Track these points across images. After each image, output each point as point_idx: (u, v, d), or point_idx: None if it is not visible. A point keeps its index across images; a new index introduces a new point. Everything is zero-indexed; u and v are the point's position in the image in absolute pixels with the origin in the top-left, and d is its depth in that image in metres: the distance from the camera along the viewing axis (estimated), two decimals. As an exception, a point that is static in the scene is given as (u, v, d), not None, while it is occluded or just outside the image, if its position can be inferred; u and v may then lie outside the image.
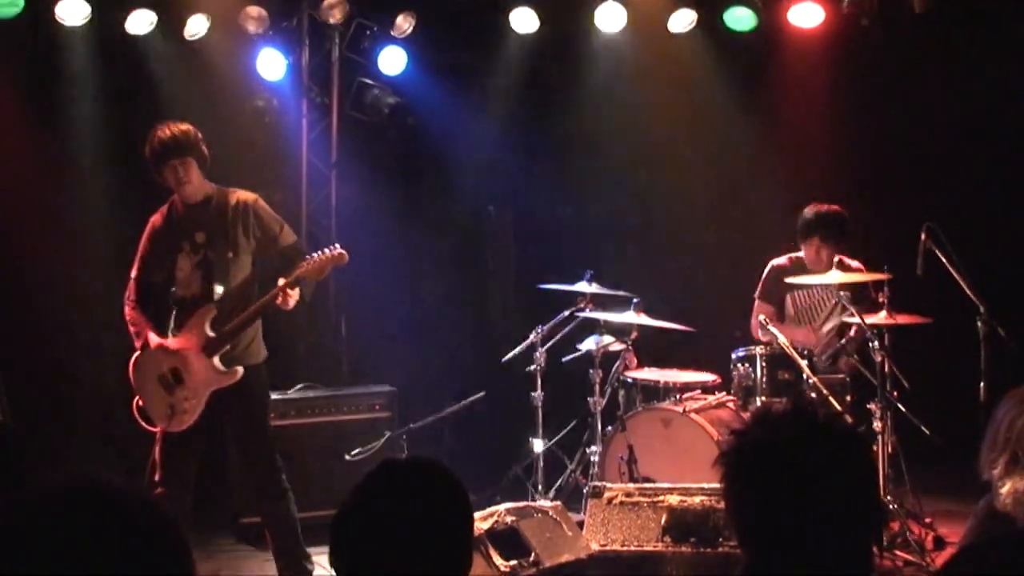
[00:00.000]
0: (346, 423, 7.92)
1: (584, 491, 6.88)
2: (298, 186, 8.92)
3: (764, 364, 7.34)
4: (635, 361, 7.79)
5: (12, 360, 7.56)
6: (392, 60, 8.88)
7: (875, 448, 6.85)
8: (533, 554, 5.96)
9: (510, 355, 7.80)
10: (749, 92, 9.46)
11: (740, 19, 8.99)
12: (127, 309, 6.47)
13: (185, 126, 6.31)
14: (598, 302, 7.71)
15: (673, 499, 6.37)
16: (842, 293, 7.26)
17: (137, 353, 6.40)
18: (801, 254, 7.76)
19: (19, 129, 8.39)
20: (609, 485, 6.66)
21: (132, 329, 6.44)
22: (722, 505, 6.08)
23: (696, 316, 7.83)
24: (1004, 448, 4.14)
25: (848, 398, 7.25)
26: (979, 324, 7.08)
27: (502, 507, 6.18)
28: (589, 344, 7.63)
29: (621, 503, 6.44)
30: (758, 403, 7.31)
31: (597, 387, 7.52)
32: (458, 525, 2.48)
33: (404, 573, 2.37)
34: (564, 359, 7.84)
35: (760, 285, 7.87)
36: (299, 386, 8.14)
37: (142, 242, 6.50)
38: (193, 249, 6.35)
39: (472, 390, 7.83)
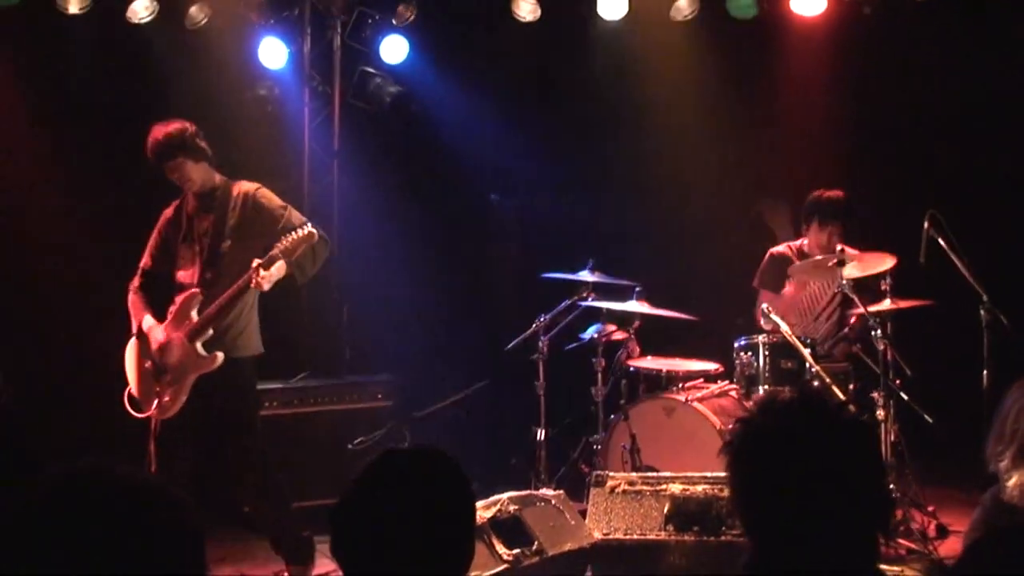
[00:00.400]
0: (349, 412, 7.92)
1: (587, 480, 6.88)
2: (300, 175, 8.91)
3: (767, 352, 7.33)
4: (637, 350, 7.80)
5: (17, 344, 7.56)
6: (394, 49, 8.87)
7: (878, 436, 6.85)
8: (536, 543, 5.96)
9: (513, 344, 7.79)
10: (751, 80, 9.45)
11: (742, 7, 8.96)
12: (129, 296, 6.55)
13: (174, 126, 6.27)
14: (600, 291, 7.70)
15: (676, 488, 6.37)
16: (844, 281, 7.24)
17: (132, 340, 6.45)
18: (800, 243, 7.76)
19: (18, 118, 8.38)
20: (612, 474, 6.65)
21: (132, 315, 6.49)
22: (725, 494, 6.09)
23: (698, 305, 7.82)
24: (1011, 440, 4.14)
25: (851, 386, 7.25)
26: (982, 312, 7.07)
27: (505, 496, 6.17)
28: (591, 333, 7.63)
29: (624, 492, 6.44)
30: (760, 392, 7.30)
31: (600, 376, 7.52)
32: (459, 514, 2.47)
33: (405, 563, 2.36)
34: (567, 348, 7.84)
35: (758, 275, 7.86)
36: (302, 375, 8.14)
37: (153, 233, 6.60)
38: (195, 238, 6.41)
39: (474, 379, 7.83)
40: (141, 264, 6.59)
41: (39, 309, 8.42)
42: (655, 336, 7.92)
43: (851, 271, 7.19)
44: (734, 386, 7.56)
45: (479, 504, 5.90)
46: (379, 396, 8.04)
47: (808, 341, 7.24)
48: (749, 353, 7.41)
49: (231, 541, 7.36)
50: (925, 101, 9.26)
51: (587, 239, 8.98)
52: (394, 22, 8.77)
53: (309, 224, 6.27)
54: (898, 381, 7.15)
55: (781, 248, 7.83)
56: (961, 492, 7.51)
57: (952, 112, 9.21)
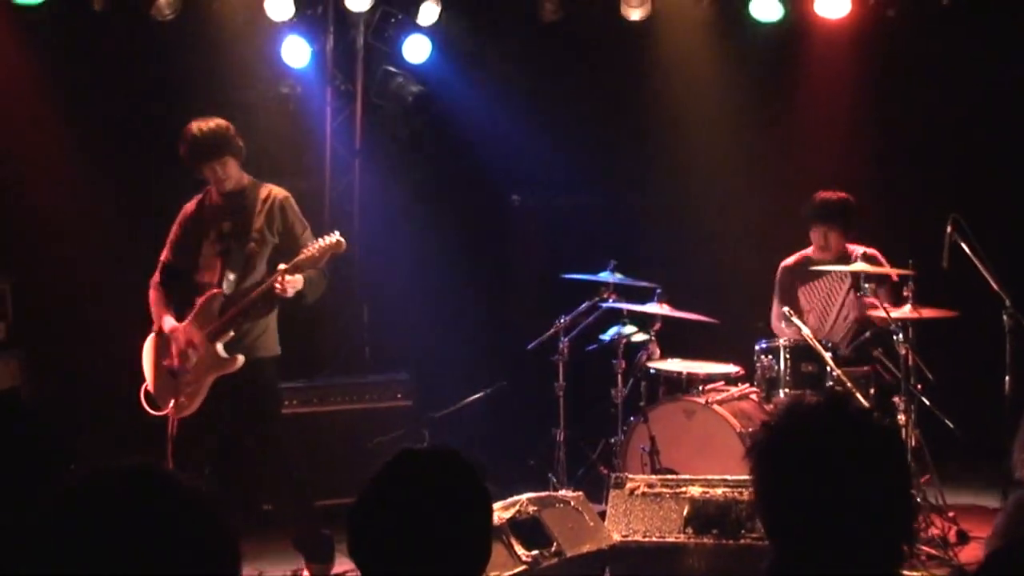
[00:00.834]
0: (368, 411, 7.93)
1: (606, 482, 6.87)
2: (321, 173, 8.92)
3: (787, 356, 7.31)
4: (658, 352, 7.78)
5: (38, 335, 7.58)
6: (416, 48, 8.85)
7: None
8: (555, 544, 5.95)
9: (533, 344, 7.78)
10: (774, 83, 9.42)
11: (766, 10, 8.93)
12: (150, 292, 6.52)
13: (216, 123, 6.24)
14: (621, 292, 7.69)
15: (695, 490, 6.36)
16: (866, 286, 7.23)
17: (151, 336, 6.44)
18: (808, 251, 7.76)
19: (43, 115, 8.41)
20: (631, 476, 6.64)
21: (152, 312, 6.48)
22: (744, 497, 6.08)
23: (719, 307, 7.80)
24: (1037, 448, 4.12)
25: (872, 391, 7.22)
26: (1004, 317, 7.05)
27: (524, 497, 6.17)
28: (612, 334, 7.62)
29: (643, 494, 6.43)
30: (781, 395, 7.28)
31: (620, 377, 7.51)
32: (476, 515, 2.46)
33: (421, 562, 2.35)
34: (587, 349, 7.83)
35: (776, 289, 7.87)
36: (322, 374, 8.15)
37: (173, 227, 6.55)
38: (218, 237, 6.37)
39: (494, 379, 7.82)
40: (161, 259, 6.55)
41: (66, 307, 8.44)
42: (676, 338, 7.90)
43: (859, 267, 7.23)
44: (754, 389, 7.53)
45: (498, 505, 5.90)
46: (399, 395, 8.05)
47: (829, 345, 7.22)
48: (770, 356, 7.38)
49: (249, 540, 7.33)
50: (949, 104, 9.21)
51: (608, 240, 8.95)
52: (417, 21, 8.69)
53: (337, 232, 6.27)
54: (919, 386, 7.12)
55: (790, 260, 7.87)
56: (982, 498, 7.48)
57: (976, 115, 9.16)
